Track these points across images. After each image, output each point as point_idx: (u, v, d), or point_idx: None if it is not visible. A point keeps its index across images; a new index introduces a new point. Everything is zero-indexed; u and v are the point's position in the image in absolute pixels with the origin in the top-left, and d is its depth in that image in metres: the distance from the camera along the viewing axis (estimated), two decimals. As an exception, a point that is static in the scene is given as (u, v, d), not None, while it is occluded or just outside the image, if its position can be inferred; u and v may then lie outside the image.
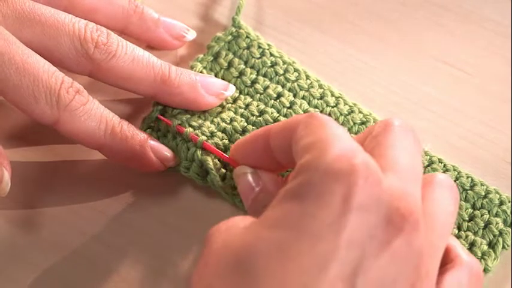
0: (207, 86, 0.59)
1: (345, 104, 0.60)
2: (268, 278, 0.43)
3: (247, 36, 0.63)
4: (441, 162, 0.58)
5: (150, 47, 0.64)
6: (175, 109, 0.60)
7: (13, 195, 0.56)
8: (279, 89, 0.61)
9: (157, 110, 0.60)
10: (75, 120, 0.56)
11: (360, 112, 0.60)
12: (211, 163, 0.57)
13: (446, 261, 0.50)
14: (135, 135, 0.57)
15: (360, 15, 0.66)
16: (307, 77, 0.61)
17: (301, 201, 0.44)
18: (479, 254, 0.55)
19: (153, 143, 0.58)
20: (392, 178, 0.46)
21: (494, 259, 0.55)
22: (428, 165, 0.58)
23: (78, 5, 0.61)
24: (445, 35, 0.65)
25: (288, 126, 0.50)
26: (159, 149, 0.58)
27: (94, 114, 0.56)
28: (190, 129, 0.58)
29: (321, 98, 0.60)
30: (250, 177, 0.54)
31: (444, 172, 0.58)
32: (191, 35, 0.64)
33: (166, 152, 0.58)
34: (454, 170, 0.58)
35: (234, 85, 0.61)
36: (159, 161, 0.58)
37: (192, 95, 0.59)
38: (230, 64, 0.62)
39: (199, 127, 0.59)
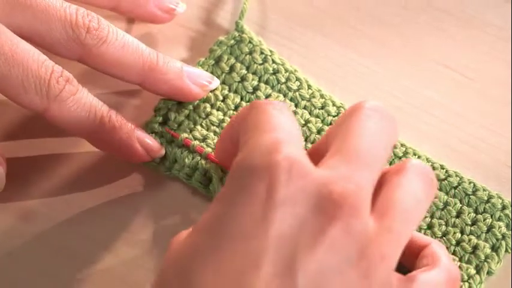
0: (192, 77, 0.60)
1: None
2: (204, 283, 0.43)
3: (249, 41, 0.63)
4: (443, 168, 0.58)
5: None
6: (177, 116, 0.60)
7: (6, 194, 0.57)
8: (281, 98, 0.61)
9: (159, 116, 0.60)
10: (65, 110, 0.56)
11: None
12: (215, 171, 0.57)
13: (427, 263, 0.50)
14: (123, 125, 0.57)
15: (361, 19, 0.66)
16: (309, 87, 0.62)
17: (226, 203, 0.45)
18: (483, 257, 0.55)
19: (140, 134, 0.58)
20: (333, 164, 0.46)
21: (498, 262, 0.56)
22: (430, 171, 0.58)
23: None
24: (446, 40, 0.65)
25: (239, 117, 0.50)
26: (145, 140, 0.58)
27: (84, 103, 0.56)
28: (197, 142, 0.59)
29: (322, 107, 0.61)
30: None
31: (446, 178, 0.58)
32: (181, 7, 0.64)
33: (151, 141, 0.58)
34: (456, 175, 0.58)
35: (236, 90, 0.61)
36: (145, 151, 0.58)
37: (179, 83, 0.59)
38: (232, 68, 0.62)
39: (204, 139, 0.59)
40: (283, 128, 0.47)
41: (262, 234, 0.43)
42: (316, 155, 0.48)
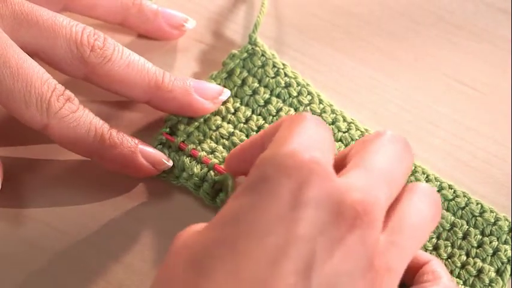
0: (201, 91, 0.60)
1: (357, 129, 0.60)
2: (222, 276, 0.43)
3: (262, 55, 0.63)
4: (451, 188, 0.58)
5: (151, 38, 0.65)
6: (186, 127, 0.60)
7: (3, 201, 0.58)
8: (292, 112, 0.61)
9: (167, 127, 0.60)
10: (64, 127, 0.56)
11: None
12: (225, 181, 0.57)
13: (427, 279, 0.51)
14: (125, 141, 0.57)
15: (374, 33, 0.66)
16: (320, 101, 0.62)
17: (252, 195, 0.45)
18: (487, 281, 0.55)
19: (144, 148, 0.58)
20: (355, 176, 0.47)
21: (502, 286, 0.55)
22: (438, 191, 0.58)
23: (78, 1, 0.62)
24: (458, 54, 0.65)
25: (276, 124, 0.50)
26: (150, 154, 0.58)
27: (83, 121, 0.57)
28: (204, 153, 0.59)
29: (333, 123, 0.61)
30: None
31: (454, 198, 0.58)
32: (190, 24, 0.65)
33: (159, 157, 0.58)
34: (464, 196, 0.58)
35: (247, 103, 0.61)
36: (150, 165, 0.58)
37: (186, 99, 0.59)
38: (244, 82, 0.62)
39: (213, 152, 0.59)
40: (313, 134, 0.47)
41: (285, 232, 0.43)
42: (334, 168, 0.48)
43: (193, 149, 0.59)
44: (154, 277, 0.46)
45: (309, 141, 0.47)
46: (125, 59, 0.58)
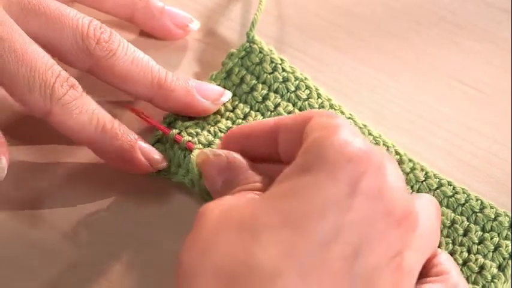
0: (203, 92, 0.60)
1: (355, 124, 0.60)
2: (274, 245, 0.43)
3: (260, 51, 0.63)
4: (450, 185, 0.58)
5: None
6: (185, 122, 0.60)
7: (5, 195, 0.58)
8: (290, 107, 0.61)
9: (166, 122, 0.60)
10: (67, 114, 0.56)
11: (370, 134, 0.60)
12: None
13: (436, 273, 0.51)
14: (125, 134, 0.58)
15: (375, 33, 0.66)
16: (319, 96, 0.61)
17: (310, 174, 0.45)
18: (489, 278, 0.55)
19: (143, 145, 0.58)
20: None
21: (505, 282, 0.55)
22: (437, 188, 0.57)
23: None
24: (460, 54, 0.65)
25: (302, 118, 0.50)
26: (148, 151, 0.58)
27: (86, 109, 0.57)
28: (200, 145, 0.59)
29: (331, 117, 0.60)
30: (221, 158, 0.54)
31: (453, 195, 0.57)
32: (195, 25, 0.65)
33: (156, 155, 0.58)
34: (464, 192, 0.57)
35: (246, 101, 0.61)
36: (147, 162, 0.58)
37: (188, 99, 0.59)
38: (242, 80, 0.62)
39: (209, 145, 0.59)
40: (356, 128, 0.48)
41: (339, 216, 0.44)
42: None
43: (189, 141, 0.59)
44: (184, 245, 0.46)
45: (359, 133, 0.47)
46: (129, 54, 0.59)
